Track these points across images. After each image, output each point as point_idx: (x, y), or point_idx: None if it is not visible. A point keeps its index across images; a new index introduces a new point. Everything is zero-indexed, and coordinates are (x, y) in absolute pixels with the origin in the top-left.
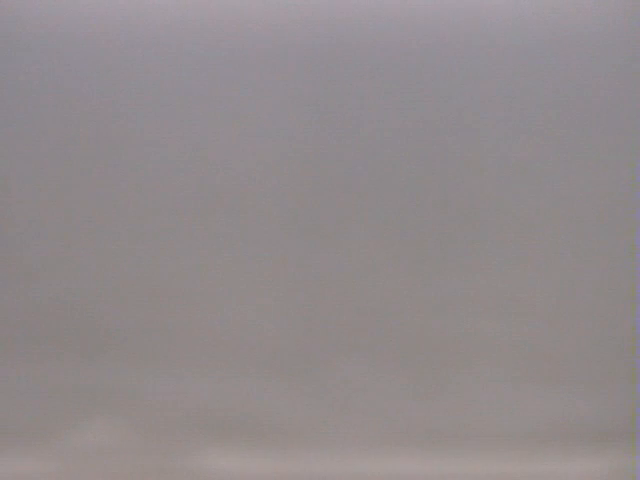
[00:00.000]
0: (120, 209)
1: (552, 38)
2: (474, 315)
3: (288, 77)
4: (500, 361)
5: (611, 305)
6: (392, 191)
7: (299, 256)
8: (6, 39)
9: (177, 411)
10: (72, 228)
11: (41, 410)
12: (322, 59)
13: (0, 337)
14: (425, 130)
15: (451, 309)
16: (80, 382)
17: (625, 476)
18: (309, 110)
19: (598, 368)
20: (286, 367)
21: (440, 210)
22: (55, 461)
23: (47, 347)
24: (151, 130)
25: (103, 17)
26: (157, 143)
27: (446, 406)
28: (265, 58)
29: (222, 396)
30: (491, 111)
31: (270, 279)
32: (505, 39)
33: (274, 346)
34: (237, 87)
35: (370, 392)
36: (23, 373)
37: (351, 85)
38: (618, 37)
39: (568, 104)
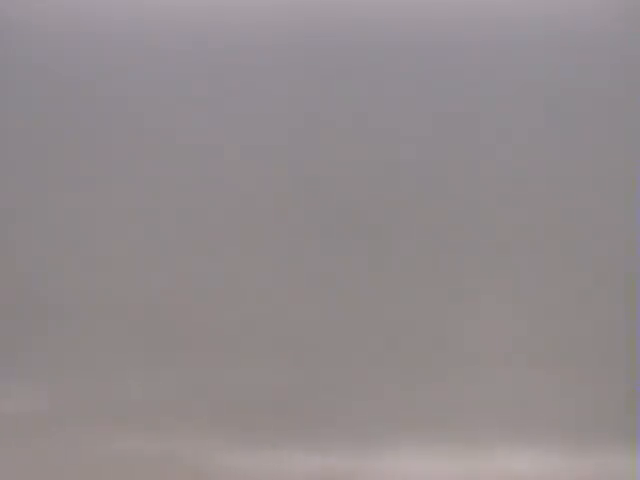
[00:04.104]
0: (116, 212)
1: (552, 38)
2: (475, 319)
3: (287, 78)
4: (502, 361)
5: (612, 307)
6: (392, 193)
7: (297, 263)
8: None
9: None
10: (64, 228)
11: None
12: (322, 60)
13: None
14: (426, 131)
15: (452, 316)
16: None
17: (625, 475)
18: (308, 110)
19: (599, 370)
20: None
21: (442, 216)
22: None
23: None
24: (148, 130)
25: (102, 15)
26: (154, 143)
27: (451, 404)
28: (265, 58)
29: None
30: (491, 113)
31: (268, 283)
32: (505, 39)
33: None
34: (237, 87)
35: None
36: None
37: (351, 86)
38: (618, 37)
39: (568, 105)
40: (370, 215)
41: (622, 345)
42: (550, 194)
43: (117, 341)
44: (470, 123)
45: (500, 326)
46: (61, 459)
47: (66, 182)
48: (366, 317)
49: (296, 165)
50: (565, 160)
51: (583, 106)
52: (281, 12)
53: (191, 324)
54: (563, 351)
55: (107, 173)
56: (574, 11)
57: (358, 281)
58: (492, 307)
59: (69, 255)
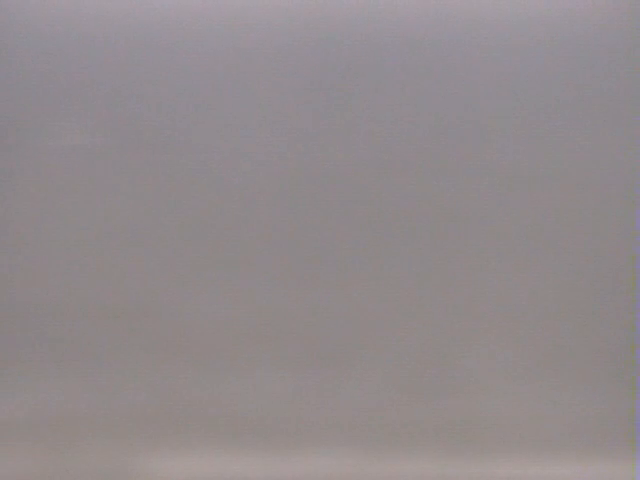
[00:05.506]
0: (112, 215)
1: (552, 38)
2: (474, 318)
3: (289, 78)
4: (500, 359)
5: (612, 308)
6: (393, 194)
7: (299, 264)
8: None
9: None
10: (63, 231)
11: None
12: (325, 60)
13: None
14: (426, 131)
15: (453, 315)
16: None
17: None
18: (310, 110)
19: (599, 371)
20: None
21: (443, 216)
22: None
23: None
24: (148, 130)
25: (102, 16)
26: (153, 144)
27: (450, 407)
28: (266, 58)
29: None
30: (492, 113)
31: (267, 285)
32: (506, 39)
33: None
34: (237, 88)
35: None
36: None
37: (352, 85)
38: (618, 37)
39: (569, 105)
40: (370, 215)
41: (623, 346)
42: (550, 194)
43: (112, 344)
44: (470, 123)
45: (500, 327)
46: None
47: (57, 180)
48: (365, 317)
49: (297, 165)
50: (565, 160)
51: (583, 106)
52: (284, 12)
53: (188, 326)
54: (562, 353)
55: (106, 172)
56: (574, 11)
57: (359, 282)
58: (493, 308)
59: (58, 258)
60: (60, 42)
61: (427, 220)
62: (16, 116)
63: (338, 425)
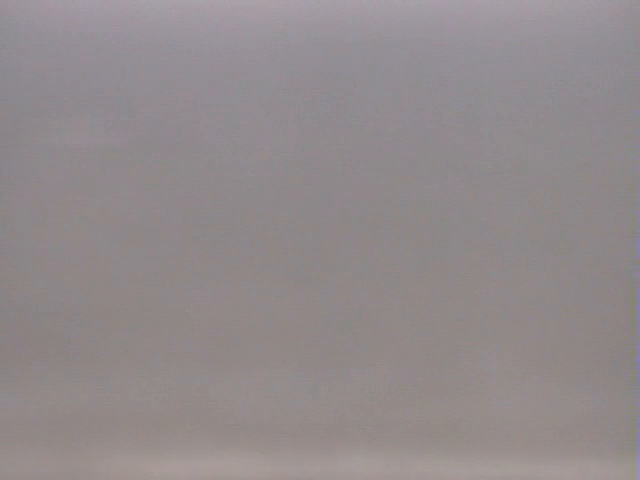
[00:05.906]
0: (112, 215)
1: (552, 38)
2: (474, 318)
3: (289, 78)
4: (501, 355)
5: (612, 308)
6: (394, 193)
7: (300, 263)
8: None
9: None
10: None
11: None
12: (325, 60)
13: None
14: (427, 131)
15: (452, 314)
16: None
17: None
18: (310, 109)
19: (600, 371)
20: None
21: (444, 214)
22: None
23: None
24: (146, 131)
25: (101, 15)
26: (153, 144)
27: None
28: (267, 58)
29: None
30: (492, 113)
31: (263, 286)
32: (506, 38)
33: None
34: (238, 87)
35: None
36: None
37: (352, 85)
38: (618, 37)
39: (569, 105)
40: (371, 214)
41: (623, 348)
42: (550, 194)
43: (113, 344)
44: (469, 122)
45: (500, 327)
46: None
47: (57, 180)
48: (365, 317)
49: (297, 165)
50: (565, 160)
51: (583, 106)
52: (284, 12)
53: (189, 326)
54: (563, 353)
55: (105, 172)
56: (574, 11)
57: (359, 281)
58: (493, 308)
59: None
60: (60, 42)
61: (428, 220)
62: (16, 116)
63: (338, 425)
